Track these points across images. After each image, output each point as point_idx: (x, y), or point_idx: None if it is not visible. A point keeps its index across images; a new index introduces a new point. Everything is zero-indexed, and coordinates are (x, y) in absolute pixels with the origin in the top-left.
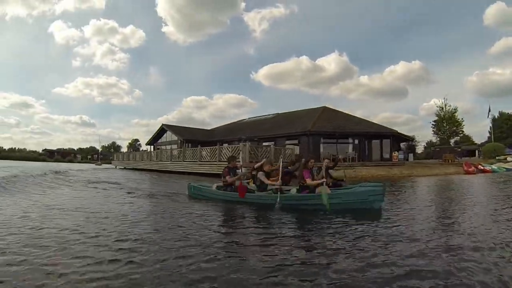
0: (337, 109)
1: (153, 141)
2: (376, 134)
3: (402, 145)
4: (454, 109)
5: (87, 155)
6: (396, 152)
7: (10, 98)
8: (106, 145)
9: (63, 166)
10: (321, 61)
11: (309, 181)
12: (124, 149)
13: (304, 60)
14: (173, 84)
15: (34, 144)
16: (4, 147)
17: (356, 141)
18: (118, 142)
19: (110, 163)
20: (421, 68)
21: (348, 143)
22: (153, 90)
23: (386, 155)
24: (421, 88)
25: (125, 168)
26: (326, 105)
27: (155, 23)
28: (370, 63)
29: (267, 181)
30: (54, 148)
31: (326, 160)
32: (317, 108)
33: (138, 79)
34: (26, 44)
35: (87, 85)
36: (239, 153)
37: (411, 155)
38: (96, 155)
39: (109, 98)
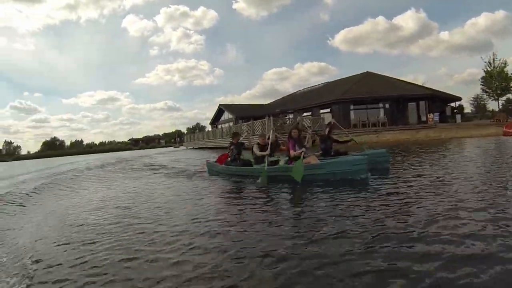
0: (403, 71)
1: (214, 120)
2: (412, 97)
3: (453, 105)
4: (504, 63)
5: (171, 139)
6: (431, 114)
7: (96, 95)
8: (191, 127)
9: (141, 152)
10: (397, 20)
11: (292, 152)
12: (209, 129)
13: (380, 20)
14: (252, 59)
15: (124, 135)
16: (96, 142)
17: (387, 105)
18: (204, 123)
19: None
20: (507, 17)
21: (379, 107)
22: (233, 67)
23: (425, 118)
24: (508, 40)
25: (193, 148)
26: (369, 70)
27: (225, 1)
28: (449, 18)
29: (258, 153)
30: (142, 136)
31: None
32: (360, 73)
33: (216, 58)
34: (103, 43)
35: (167, 71)
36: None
37: (458, 116)
38: (178, 138)
39: (191, 81)
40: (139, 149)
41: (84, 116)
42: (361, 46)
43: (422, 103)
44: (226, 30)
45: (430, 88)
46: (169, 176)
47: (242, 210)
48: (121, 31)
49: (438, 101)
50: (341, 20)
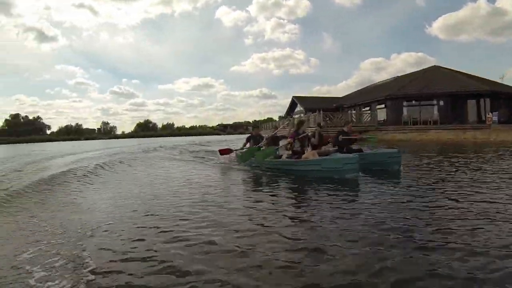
0: None
1: (289, 111)
2: (472, 93)
3: None
4: None
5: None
6: (490, 113)
7: (192, 82)
8: (283, 115)
9: (226, 137)
10: (501, 3)
11: (290, 139)
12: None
13: (482, 4)
14: (348, 48)
15: (218, 120)
16: (189, 126)
17: (442, 102)
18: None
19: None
20: None
21: (433, 104)
22: (329, 56)
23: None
24: None
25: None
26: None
27: None
28: None
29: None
30: (232, 122)
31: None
32: (428, 67)
33: (312, 47)
34: (198, 33)
35: (263, 60)
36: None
37: None
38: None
39: (286, 70)
40: (226, 134)
41: (180, 100)
42: (461, 33)
43: (485, 100)
44: (320, 18)
45: (501, 84)
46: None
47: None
48: (214, 22)
49: (505, 98)
50: (438, 6)
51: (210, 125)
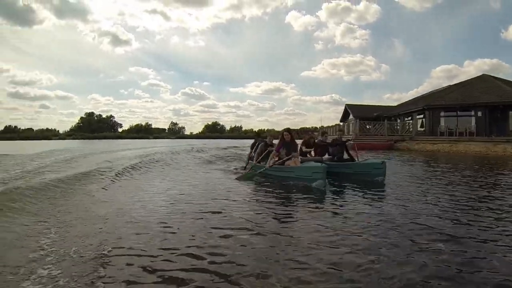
0: None
1: (343, 118)
2: None
3: None
4: None
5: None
6: None
7: (263, 86)
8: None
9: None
10: None
11: (275, 154)
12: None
13: None
14: (419, 54)
15: (288, 124)
16: (256, 129)
17: (480, 113)
18: None
19: None
20: None
21: (471, 115)
22: (400, 63)
23: None
24: None
25: None
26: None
27: None
28: None
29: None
30: (299, 128)
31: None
32: (476, 77)
33: (383, 53)
34: (268, 37)
35: (333, 66)
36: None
37: None
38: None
39: (357, 76)
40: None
41: (251, 104)
42: None
43: None
44: (391, 24)
45: None
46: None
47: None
48: (285, 26)
49: None
50: None
51: (278, 129)
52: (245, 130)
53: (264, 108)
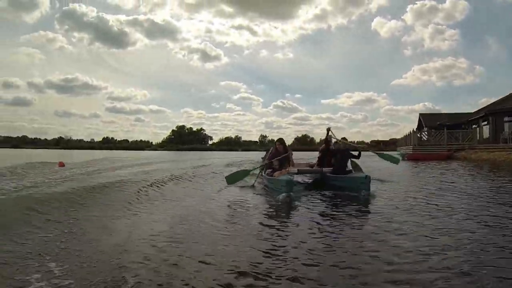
0: None
1: (419, 127)
2: None
3: None
4: None
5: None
6: None
7: (354, 97)
8: (414, 130)
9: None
10: None
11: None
12: None
13: None
14: None
15: (382, 136)
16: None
17: None
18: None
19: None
20: None
21: None
22: (496, 63)
23: None
24: None
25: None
26: None
27: None
28: None
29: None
30: (389, 139)
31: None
32: None
33: (476, 54)
34: (355, 46)
35: (424, 72)
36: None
37: None
38: None
39: (450, 81)
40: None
41: (343, 116)
42: None
43: None
44: (481, 20)
45: None
46: None
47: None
48: (371, 34)
49: None
50: None
51: (369, 140)
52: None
53: (356, 120)
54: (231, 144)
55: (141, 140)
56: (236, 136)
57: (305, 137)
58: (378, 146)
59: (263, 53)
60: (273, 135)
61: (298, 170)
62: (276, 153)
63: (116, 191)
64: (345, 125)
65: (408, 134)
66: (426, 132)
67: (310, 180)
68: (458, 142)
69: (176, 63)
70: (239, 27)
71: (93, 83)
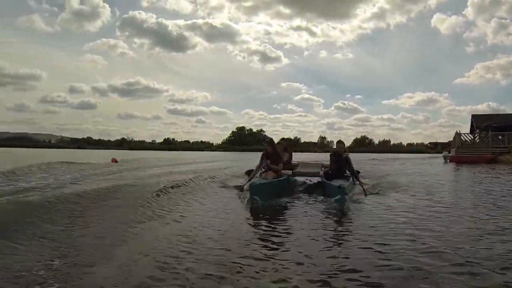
0: None
1: (471, 128)
2: None
3: None
4: None
5: None
6: None
7: (415, 97)
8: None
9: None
10: None
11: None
12: None
13: None
14: None
15: (445, 137)
16: (404, 143)
17: None
18: None
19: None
20: None
21: None
22: None
23: None
24: None
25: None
26: None
27: None
28: None
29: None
30: (448, 141)
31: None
32: None
33: None
34: (415, 44)
35: (487, 69)
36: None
37: None
38: None
39: None
40: (436, 152)
41: (404, 116)
42: None
43: None
44: None
45: None
46: None
47: None
48: (431, 31)
49: None
50: None
51: (427, 142)
52: (394, 144)
53: (418, 121)
54: (290, 145)
55: (202, 141)
56: (295, 137)
57: (363, 138)
58: (436, 149)
59: (322, 53)
60: (334, 137)
61: (292, 172)
62: (266, 154)
63: (133, 191)
64: (406, 126)
65: (454, 136)
66: (475, 134)
67: (311, 183)
68: (504, 144)
69: (236, 65)
70: (298, 28)
71: (154, 86)
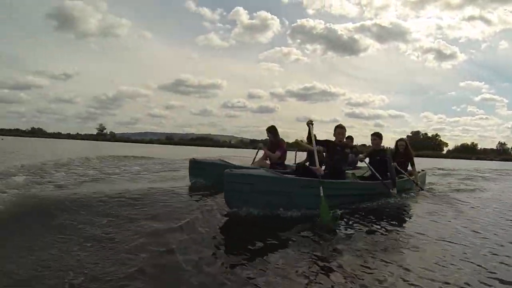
0: None
1: None
2: None
3: None
4: None
5: None
6: None
7: None
8: None
9: None
10: None
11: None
12: None
13: None
14: None
15: None
16: None
17: None
18: None
19: None
20: None
21: None
22: None
23: None
24: None
25: None
26: None
27: None
28: None
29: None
30: None
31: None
32: None
33: None
34: None
35: None
36: None
37: None
38: None
39: None
40: None
41: None
42: None
43: None
44: None
45: None
46: None
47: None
48: None
49: None
50: None
51: None
52: None
53: None
54: (467, 151)
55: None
56: (472, 143)
57: None
58: None
59: (502, 45)
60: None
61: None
62: (270, 144)
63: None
64: None
65: None
66: None
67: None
68: None
69: (411, 65)
70: (471, 18)
71: (331, 90)
